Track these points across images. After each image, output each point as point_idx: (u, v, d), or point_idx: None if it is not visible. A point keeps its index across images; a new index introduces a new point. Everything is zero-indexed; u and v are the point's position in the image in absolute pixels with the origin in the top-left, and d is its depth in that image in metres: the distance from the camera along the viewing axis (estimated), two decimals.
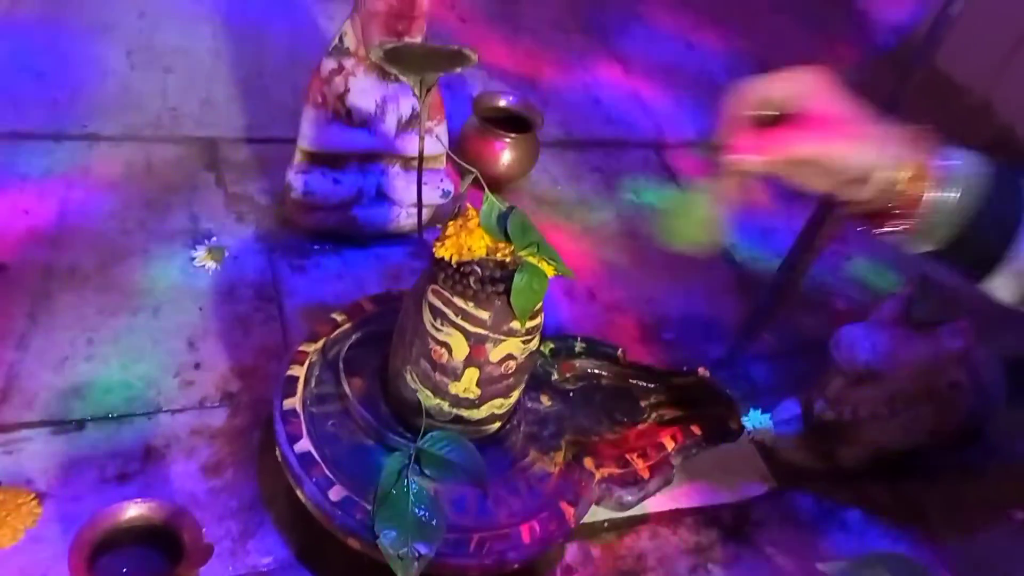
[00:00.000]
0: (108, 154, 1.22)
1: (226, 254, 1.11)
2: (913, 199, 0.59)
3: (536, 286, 0.71)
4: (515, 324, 0.74)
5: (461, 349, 0.74)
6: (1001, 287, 0.62)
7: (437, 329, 0.74)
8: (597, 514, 0.90)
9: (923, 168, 0.59)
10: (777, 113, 0.60)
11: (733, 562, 0.93)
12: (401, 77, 0.76)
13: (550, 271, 0.73)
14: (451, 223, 0.72)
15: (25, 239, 1.06)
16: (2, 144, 1.19)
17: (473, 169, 0.66)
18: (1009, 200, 0.60)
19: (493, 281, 0.72)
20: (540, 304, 0.75)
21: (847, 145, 0.58)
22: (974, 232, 0.60)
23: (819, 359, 1.11)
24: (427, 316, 0.74)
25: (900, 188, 0.59)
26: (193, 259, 1.10)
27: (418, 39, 1.00)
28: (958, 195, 0.59)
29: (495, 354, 0.74)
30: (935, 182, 0.59)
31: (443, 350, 0.74)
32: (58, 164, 1.18)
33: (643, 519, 0.94)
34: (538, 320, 0.76)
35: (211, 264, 1.09)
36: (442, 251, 0.72)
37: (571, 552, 0.90)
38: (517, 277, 0.71)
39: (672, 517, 0.96)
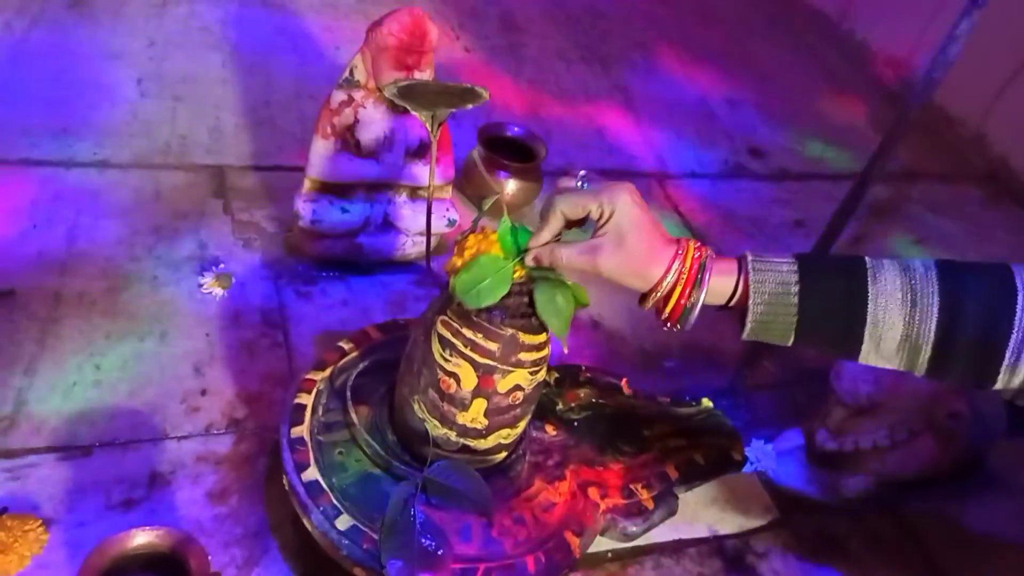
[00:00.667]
0: (117, 181, 1.24)
1: (233, 281, 1.12)
2: (680, 302, 0.69)
3: (561, 299, 0.72)
4: (523, 355, 0.74)
5: (470, 379, 0.75)
6: (881, 362, 0.68)
7: (446, 359, 0.75)
8: (600, 544, 0.90)
9: (688, 276, 0.68)
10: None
11: None
12: (414, 113, 0.78)
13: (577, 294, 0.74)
14: (470, 237, 0.73)
15: (34, 265, 1.07)
16: (13, 170, 1.20)
17: (496, 191, 0.67)
18: (838, 288, 0.67)
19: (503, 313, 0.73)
20: (547, 336, 0.76)
21: (614, 263, 0.68)
22: (811, 323, 0.67)
23: (820, 389, 1.12)
24: (436, 346, 0.75)
25: (668, 292, 0.69)
26: (201, 285, 1.11)
27: (427, 72, 1.02)
28: (702, 294, 0.68)
29: (503, 385, 0.75)
30: (698, 288, 0.68)
31: (452, 380, 0.75)
32: (68, 190, 1.19)
33: (646, 549, 0.94)
34: (545, 351, 0.77)
35: (218, 290, 1.10)
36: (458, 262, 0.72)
37: None
38: (538, 293, 0.72)
39: (675, 547, 0.96)
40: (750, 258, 0.69)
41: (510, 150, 1.34)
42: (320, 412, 0.86)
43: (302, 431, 0.83)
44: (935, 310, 0.64)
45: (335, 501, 0.78)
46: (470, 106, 0.77)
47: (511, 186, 1.31)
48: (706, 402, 1.01)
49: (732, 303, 0.70)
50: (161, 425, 0.94)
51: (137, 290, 1.08)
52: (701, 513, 1.00)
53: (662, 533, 0.93)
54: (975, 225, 1.70)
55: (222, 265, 1.14)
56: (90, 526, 0.83)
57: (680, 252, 0.69)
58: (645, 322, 1.26)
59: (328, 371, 0.89)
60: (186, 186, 1.27)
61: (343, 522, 0.76)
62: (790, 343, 0.69)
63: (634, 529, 0.87)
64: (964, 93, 1.85)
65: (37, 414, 0.92)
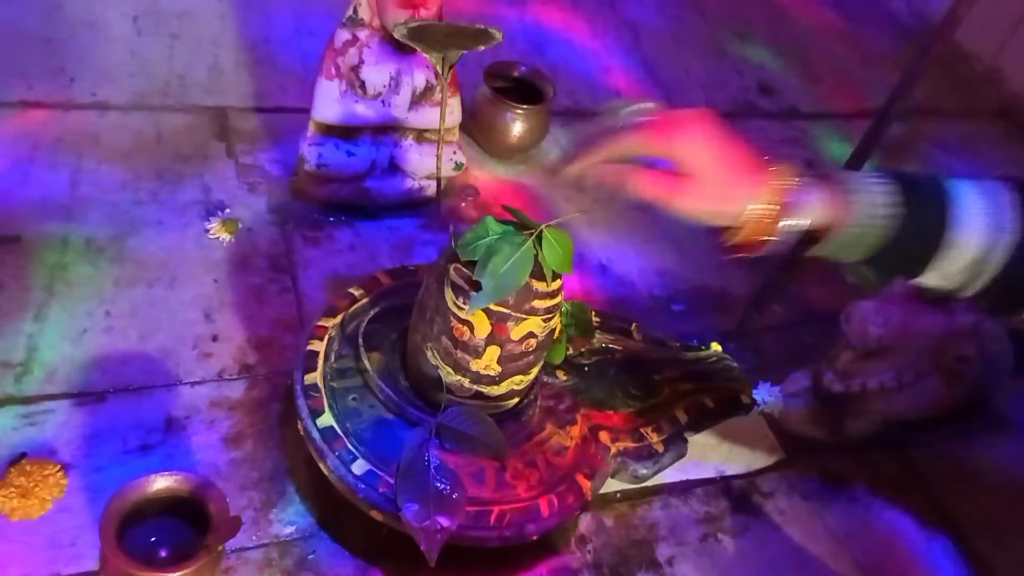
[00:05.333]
0: (118, 123, 1.21)
1: (239, 226, 1.11)
2: (767, 227, 0.66)
3: (559, 245, 0.73)
4: (536, 303, 0.74)
5: (483, 327, 0.75)
6: (931, 281, 0.67)
7: (459, 307, 0.75)
8: (610, 485, 0.92)
9: (776, 202, 0.65)
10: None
11: (742, 532, 0.96)
12: (424, 55, 0.76)
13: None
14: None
15: (40, 210, 1.06)
16: (12, 113, 1.18)
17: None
18: (925, 212, 0.65)
19: None
20: (561, 283, 0.76)
21: (694, 205, 0.66)
22: (895, 243, 0.65)
23: (828, 331, 1.13)
24: (449, 294, 0.75)
25: (757, 221, 0.65)
26: (207, 230, 1.10)
27: (433, 10, 0.99)
28: (806, 223, 0.65)
29: (516, 332, 0.75)
30: (787, 213, 0.65)
31: (465, 328, 0.75)
32: (68, 133, 1.17)
33: (655, 490, 0.96)
34: (558, 299, 0.77)
35: (225, 236, 1.10)
36: None
37: (585, 523, 0.92)
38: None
39: (683, 488, 0.98)
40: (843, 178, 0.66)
41: (517, 90, 1.31)
42: (332, 359, 0.86)
43: (315, 377, 0.84)
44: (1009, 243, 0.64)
45: (350, 446, 0.79)
46: (482, 48, 0.75)
47: (518, 128, 1.29)
48: (715, 346, 1.02)
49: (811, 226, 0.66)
50: (174, 371, 0.95)
51: (143, 236, 1.07)
52: (709, 454, 1.01)
53: (670, 474, 0.95)
54: (987, 163, 1.68)
55: (227, 210, 1.13)
56: (108, 471, 0.84)
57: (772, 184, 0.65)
58: (653, 265, 1.26)
59: (339, 317, 0.90)
60: (187, 128, 1.24)
61: (359, 467, 0.77)
62: (858, 259, 0.67)
63: (644, 471, 0.88)
64: (979, 27, 1.79)
65: (49, 360, 0.92)
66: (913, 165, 1.60)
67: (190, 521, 0.76)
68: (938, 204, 0.65)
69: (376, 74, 1.05)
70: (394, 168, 1.15)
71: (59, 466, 0.83)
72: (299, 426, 0.82)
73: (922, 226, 0.65)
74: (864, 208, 0.65)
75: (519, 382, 0.81)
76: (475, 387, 0.79)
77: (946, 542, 0.99)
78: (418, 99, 1.09)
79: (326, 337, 0.87)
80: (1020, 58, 1.82)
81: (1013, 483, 1.06)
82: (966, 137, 1.73)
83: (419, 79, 1.06)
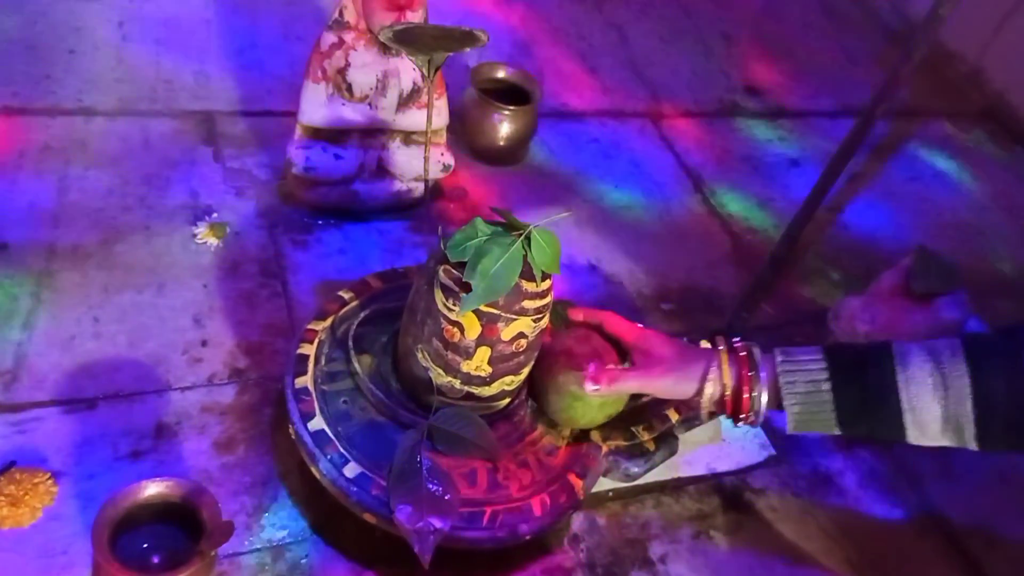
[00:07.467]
0: (104, 129, 1.21)
1: (228, 230, 1.11)
2: (738, 402, 0.76)
3: (547, 244, 0.74)
4: (526, 303, 0.75)
5: (473, 328, 0.75)
6: (932, 443, 0.71)
7: (449, 309, 0.75)
8: (602, 484, 0.92)
9: (734, 381, 0.76)
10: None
11: (735, 529, 0.96)
12: (409, 57, 0.76)
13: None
14: None
15: (26, 217, 1.06)
16: None
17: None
18: (869, 382, 0.70)
19: None
20: (550, 283, 0.76)
21: (662, 381, 0.78)
22: (850, 417, 0.71)
23: (817, 330, 1.14)
24: (439, 296, 0.75)
25: (722, 398, 0.76)
26: (195, 235, 1.09)
27: (420, 13, 1.00)
28: (765, 396, 0.74)
29: (507, 333, 0.76)
30: (752, 388, 0.75)
31: (455, 329, 0.75)
32: (55, 140, 1.17)
33: (646, 488, 0.96)
34: (548, 299, 0.77)
35: (213, 240, 1.09)
36: None
37: (577, 522, 0.92)
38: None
39: (675, 486, 0.98)
40: (778, 359, 0.73)
41: (504, 91, 1.31)
42: (323, 362, 0.86)
43: (306, 381, 0.84)
44: (968, 391, 0.66)
45: (342, 449, 0.79)
46: (468, 49, 0.75)
47: (505, 129, 1.29)
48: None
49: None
50: (164, 376, 0.94)
51: (131, 241, 1.07)
52: (700, 452, 1.02)
53: (661, 472, 0.95)
54: (971, 162, 1.69)
55: (215, 214, 1.13)
56: (99, 478, 0.84)
57: (712, 355, 0.77)
58: (642, 265, 1.26)
59: (329, 321, 0.90)
60: (174, 133, 1.24)
61: (351, 470, 0.77)
62: (838, 433, 0.73)
63: (636, 470, 0.89)
64: (962, 27, 1.81)
65: (38, 368, 0.92)
66: (896, 164, 1.61)
67: (183, 527, 0.75)
68: (876, 373, 0.70)
69: (363, 77, 1.05)
70: (382, 171, 1.15)
71: (49, 474, 0.82)
72: (290, 430, 0.82)
73: (863, 396, 0.70)
74: (796, 386, 0.72)
75: (510, 383, 0.81)
76: (466, 388, 0.79)
77: (937, 540, 1.00)
78: (405, 101, 1.09)
79: (316, 341, 0.87)
80: (1003, 58, 1.84)
81: (999, 477, 1.07)
82: (949, 136, 1.75)
83: (406, 81, 1.07)
